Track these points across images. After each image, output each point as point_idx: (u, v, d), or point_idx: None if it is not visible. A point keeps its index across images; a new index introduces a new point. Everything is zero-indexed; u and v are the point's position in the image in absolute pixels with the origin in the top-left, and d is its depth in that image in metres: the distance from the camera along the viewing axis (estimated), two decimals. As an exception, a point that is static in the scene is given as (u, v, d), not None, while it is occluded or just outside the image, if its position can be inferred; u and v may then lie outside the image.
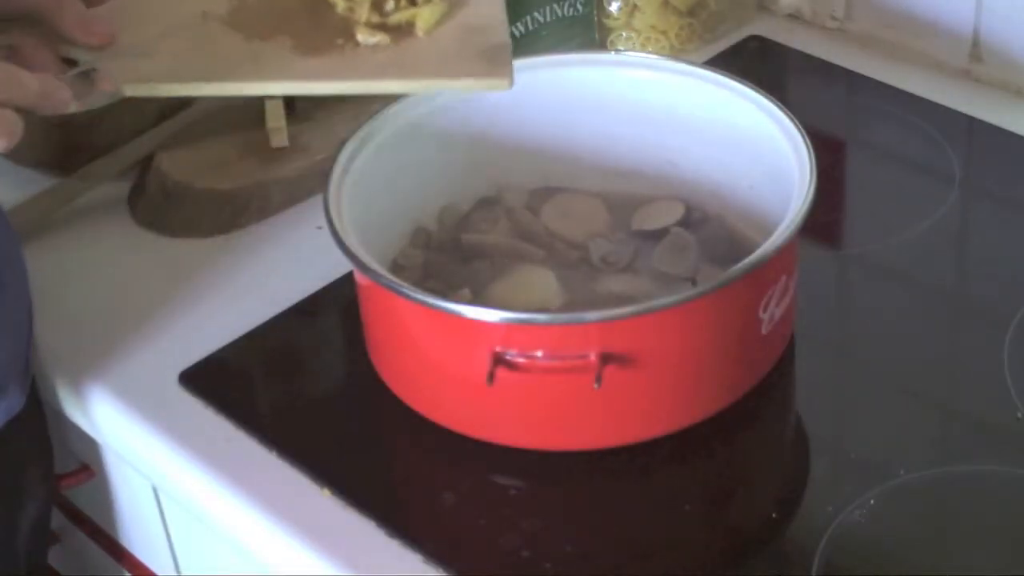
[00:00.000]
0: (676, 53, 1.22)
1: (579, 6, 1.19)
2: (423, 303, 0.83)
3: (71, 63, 0.89)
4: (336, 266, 0.97)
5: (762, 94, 0.94)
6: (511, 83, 0.89)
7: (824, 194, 0.86)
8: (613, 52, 1.21)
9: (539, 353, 0.81)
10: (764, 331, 0.86)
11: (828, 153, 0.95)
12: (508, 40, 0.91)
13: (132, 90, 0.88)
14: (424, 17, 0.92)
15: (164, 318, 0.99)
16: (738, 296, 0.84)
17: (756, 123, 0.94)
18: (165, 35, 0.91)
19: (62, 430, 1.04)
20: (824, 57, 1.23)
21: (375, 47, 0.91)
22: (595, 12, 1.21)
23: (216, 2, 0.94)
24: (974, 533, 0.82)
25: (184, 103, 1.12)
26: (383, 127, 0.94)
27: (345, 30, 0.92)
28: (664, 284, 0.93)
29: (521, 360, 0.82)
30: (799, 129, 0.90)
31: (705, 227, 0.97)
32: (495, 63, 0.90)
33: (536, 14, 1.16)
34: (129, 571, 1.14)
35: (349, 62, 0.91)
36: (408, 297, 0.83)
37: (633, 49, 1.22)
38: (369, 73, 0.90)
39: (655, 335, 0.82)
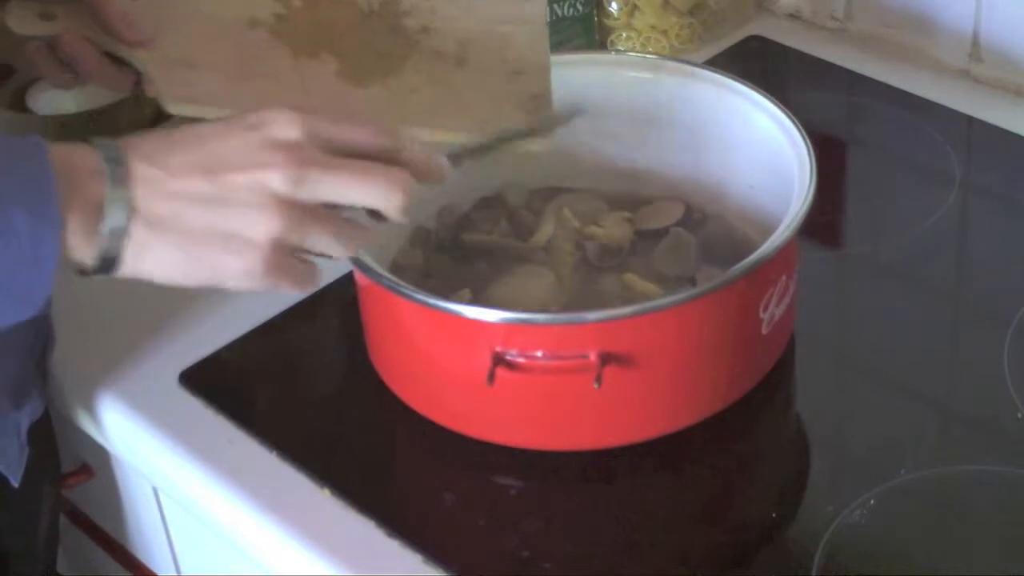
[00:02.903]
0: (676, 53, 1.22)
1: (579, 6, 1.20)
2: (423, 303, 0.83)
3: (117, 61, 0.88)
4: (336, 266, 0.96)
5: (762, 94, 0.94)
6: (550, 145, 0.89)
7: (824, 194, 0.86)
8: (613, 52, 1.21)
9: (539, 353, 0.81)
10: (764, 331, 0.86)
11: (828, 153, 0.95)
12: (549, 88, 0.91)
13: (178, 110, 0.86)
14: None
15: (164, 318, 0.99)
16: (738, 296, 0.84)
17: (756, 123, 0.94)
18: (211, 41, 0.89)
19: (62, 430, 1.04)
20: (824, 57, 1.23)
21: (417, 86, 0.90)
22: (595, 12, 1.21)
23: (263, 5, 0.91)
24: (974, 533, 0.82)
25: None
26: None
27: (389, 54, 0.91)
28: (664, 284, 0.93)
29: (521, 360, 0.82)
30: (799, 129, 0.90)
31: (705, 227, 0.98)
32: (536, 119, 0.90)
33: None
34: (129, 571, 1.14)
35: (394, 101, 0.90)
36: (408, 297, 0.83)
37: (633, 49, 1.22)
38: (414, 119, 0.89)
39: (655, 335, 0.82)
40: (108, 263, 0.71)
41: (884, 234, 1.03)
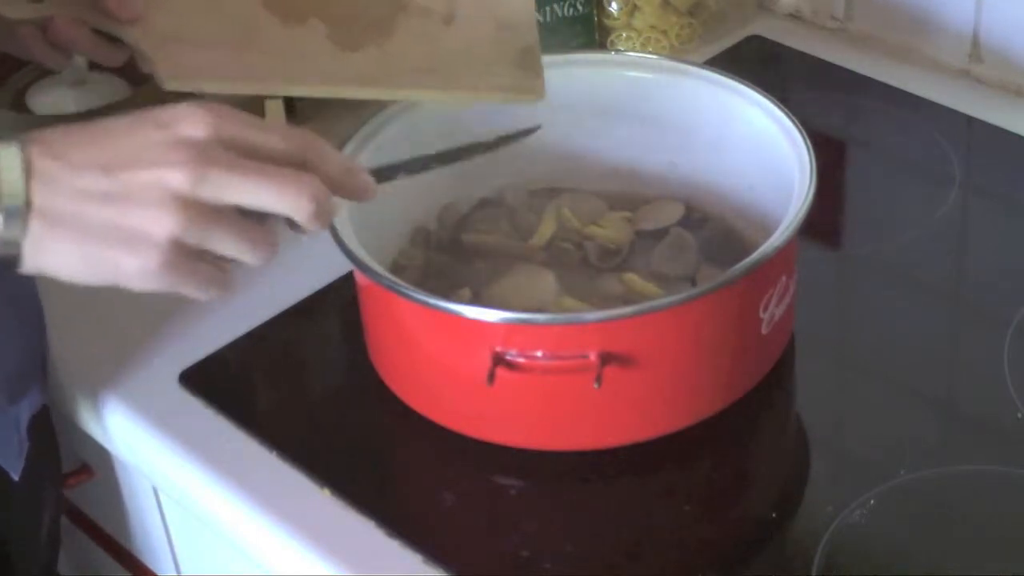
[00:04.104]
0: (676, 53, 1.22)
1: (579, 6, 1.19)
2: (423, 303, 0.83)
3: (109, 40, 0.88)
4: (336, 266, 0.97)
5: (762, 94, 0.94)
6: (543, 95, 0.90)
7: (824, 194, 0.86)
8: (613, 52, 1.21)
9: (539, 353, 0.81)
10: (764, 331, 0.86)
11: (828, 153, 0.95)
12: (537, 41, 0.91)
13: (174, 85, 0.86)
14: None
15: (164, 318, 0.99)
16: (738, 296, 0.84)
17: (756, 123, 0.94)
18: (202, 14, 0.89)
19: (62, 430, 1.04)
20: (824, 57, 1.23)
21: (408, 46, 0.90)
22: (595, 12, 1.21)
23: None
24: (974, 533, 0.82)
25: (183, 98, 1.12)
26: (383, 127, 0.94)
27: (378, 16, 0.91)
28: (664, 284, 0.93)
29: (521, 360, 0.82)
30: (799, 129, 0.90)
31: (705, 227, 0.98)
32: (527, 71, 0.90)
33: (536, 14, 1.16)
34: (129, 571, 1.14)
35: (386, 64, 0.90)
36: (408, 297, 0.83)
37: (633, 49, 1.22)
38: (406, 81, 0.89)
39: (655, 335, 0.82)
40: (8, 259, 0.70)
41: (884, 234, 1.03)
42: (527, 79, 0.91)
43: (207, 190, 0.71)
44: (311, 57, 0.89)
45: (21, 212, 0.69)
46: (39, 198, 0.70)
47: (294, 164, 0.73)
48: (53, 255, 0.71)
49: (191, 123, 0.71)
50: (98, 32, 0.90)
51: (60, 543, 1.05)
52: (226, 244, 0.72)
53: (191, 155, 0.70)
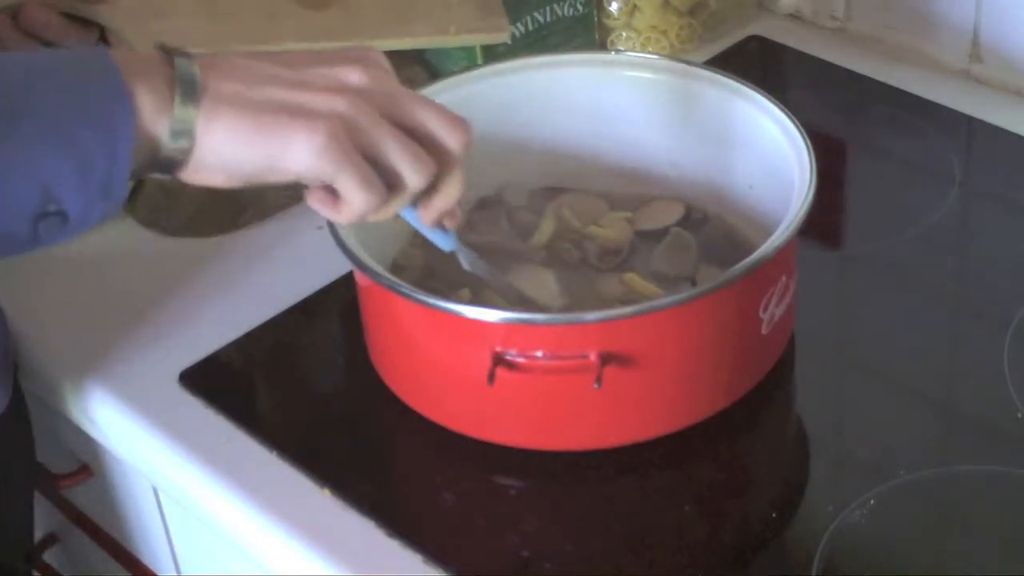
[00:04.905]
0: (676, 53, 1.22)
1: (579, 6, 1.19)
2: (423, 303, 0.83)
3: (80, 22, 0.89)
4: (336, 266, 0.97)
5: (762, 94, 0.94)
6: (508, 31, 0.92)
7: (824, 194, 0.86)
8: (613, 52, 1.21)
9: (539, 353, 0.81)
10: (764, 331, 0.86)
11: (828, 153, 0.95)
12: None
13: None
14: None
15: (164, 318, 0.99)
16: (738, 296, 0.84)
17: (756, 123, 0.94)
18: None
19: (62, 430, 1.04)
20: (824, 57, 1.23)
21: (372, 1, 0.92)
22: (595, 12, 1.21)
23: None
24: (974, 533, 0.82)
25: None
26: None
27: None
28: (664, 284, 0.93)
29: (521, 360, 0.82)
30: (799, 129, 0.90)
31: (705, 227, 0.98)
32: (490, 12, 0.91)
33: (536, 14, 1.16)
34: (129, 571, 1.14)
35: (353, 18, 0.92)
36: (408, 297, 0.83)
37: (633, 49, 1.22)
38: (376, 32, 0.91)
39: (655, 335, 0.82)
40: (180, 136, 0.71)
41: (884, 234, 1.03)
42: (491, 19, 0.92)
43: (380, 96, 0.73)
44: (279, 19, 0.91)
45: (194, 90, 0.71)
46: (212, 81, 0.71)
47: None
48: (222, 128, 0.71)
49: (368, 62, 0.75)
50: (68, 16, 0.90)
51: (32, 542, 1.05)
52: (392, 147, 0.73)
53: (376, 67, 0.75)
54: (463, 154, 0.77)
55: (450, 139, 0.76)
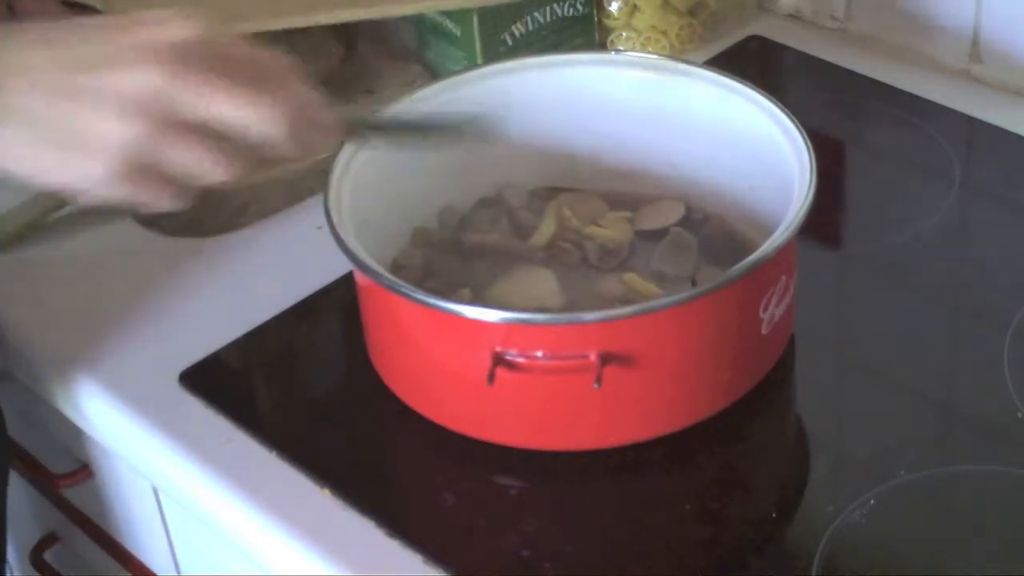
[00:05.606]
0: (676, 53, 1.22)
1: (579, 6, 1.19)
2: (423, 303, 0.83)
3: (78, 9, 0.88)
4: (336, 266, 0.97)
5: (762, 94, 0.94)
6: None
7: (824, 194, 0.86)
8: (613, 52, 1.21)
9: (539, 353, 0.81)
10: (764, 331, 0.86)
11: (828, 153, 0.95)
12: None
13: None
14: None
15: (164, 318, 0.99)
16: (738, 296, 0.84)
17: (756, 123, 0.94)
18: None
19: (61, 430, 1.04)
20: (824, 57, 1.23)
21: None
22: (595, 12, 1.21)
23: None
24: (974, 533, 0.82)
25: None
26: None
27: None
28: (664, 284, 0.93)
29: (521, 360, 0.82)
30: (799, 129, 0.90)
31: (705, 227, 0.97)
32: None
33: (536, 14, 1.16)
34: (129, 571, 1.14)
35: None
36: (408, 297, 0.83)
37: (633, 49, 1.22)
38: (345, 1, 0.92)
39: (655, 335, 0.82)
40: None
41: (884, 234, 1.03)
42: None
43: (175, 96, 0.68)
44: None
45: None
46: (7, 96, 0.68)
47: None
48: (17, 153, 0.69)
49: (168, 27, 0.70)
50: (66, 3, 0.90)
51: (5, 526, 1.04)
52: (183, 159, 0.70)
53: (164, 58, 0.68)
54: (287, 134, 0.72)
55: (257, 126, 0.71)
